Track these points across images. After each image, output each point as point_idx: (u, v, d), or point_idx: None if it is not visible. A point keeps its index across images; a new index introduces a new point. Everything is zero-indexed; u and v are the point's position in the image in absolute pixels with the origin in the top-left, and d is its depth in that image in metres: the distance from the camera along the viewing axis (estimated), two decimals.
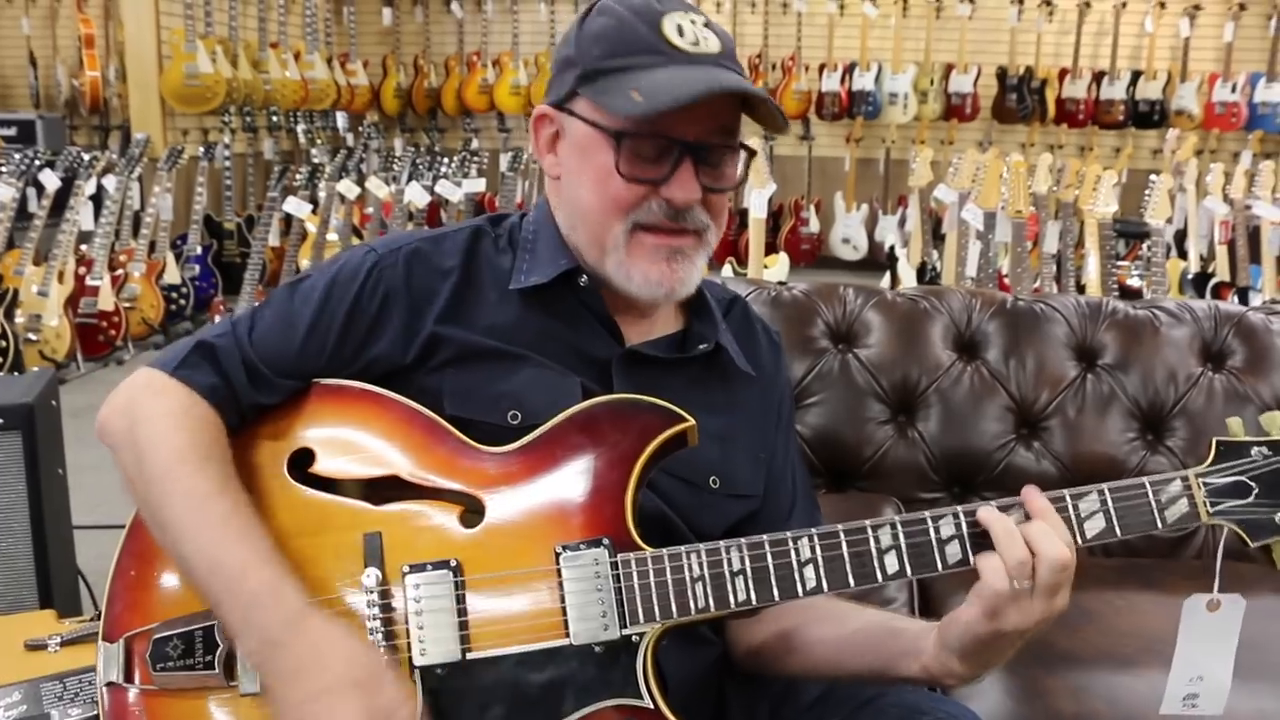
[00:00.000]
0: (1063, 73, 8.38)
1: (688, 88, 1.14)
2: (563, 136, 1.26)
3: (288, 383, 1.22)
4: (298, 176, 5.96)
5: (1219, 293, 5.51)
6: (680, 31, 1.19)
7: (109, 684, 1.15)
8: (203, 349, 1.21)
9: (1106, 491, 1.10)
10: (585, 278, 1.26)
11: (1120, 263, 5.08)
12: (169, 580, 1.17)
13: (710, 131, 1.20)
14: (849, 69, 8.56)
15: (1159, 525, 1.10)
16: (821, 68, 8.62)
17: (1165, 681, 1.58)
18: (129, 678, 1.14)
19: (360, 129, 8.68)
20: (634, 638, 1.09)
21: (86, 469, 2.43)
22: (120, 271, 5.84)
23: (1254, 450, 1.10)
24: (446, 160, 6.00)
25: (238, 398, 1.20)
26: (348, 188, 5.67)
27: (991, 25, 8.43)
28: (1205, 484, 1.10)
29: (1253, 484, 1.09)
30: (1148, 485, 1.10)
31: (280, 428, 1.22)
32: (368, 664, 1.06)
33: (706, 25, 1.22)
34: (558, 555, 1.11)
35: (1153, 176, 4.62)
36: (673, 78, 1.16)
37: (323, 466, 1.18)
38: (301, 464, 1.19)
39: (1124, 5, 8.17)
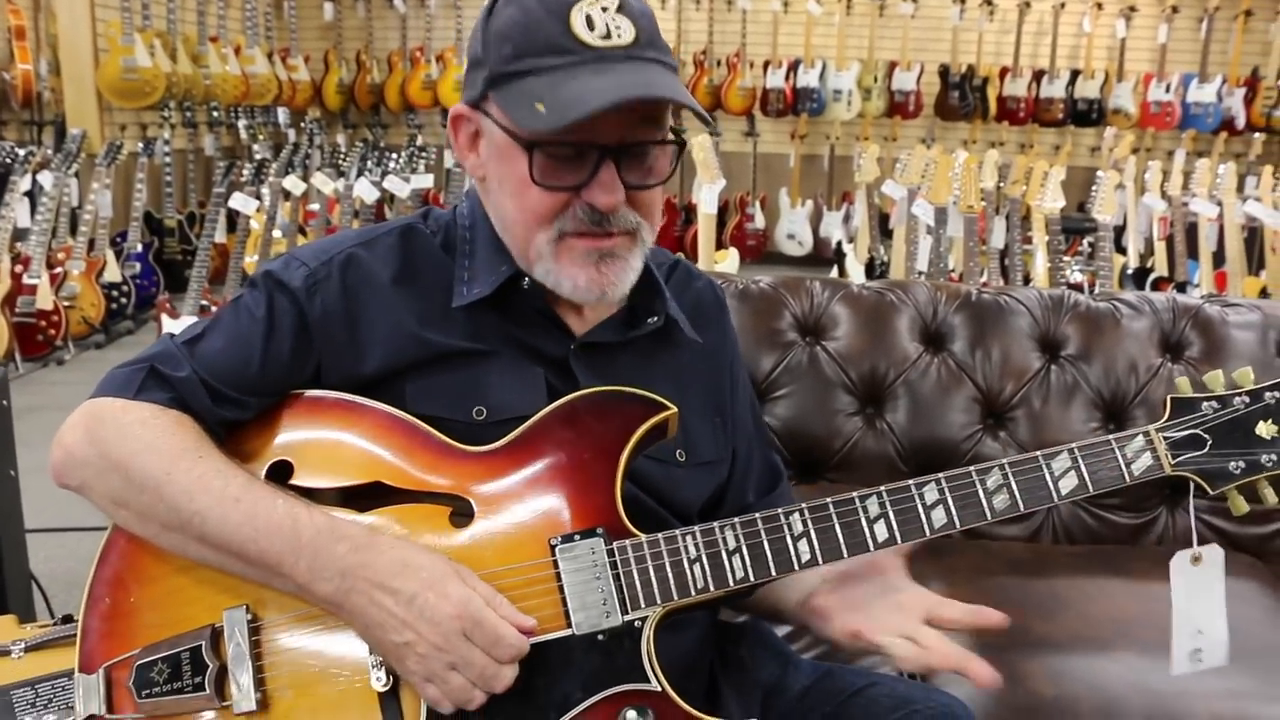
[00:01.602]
0: (1003, 71, 8.52)
1: (591, 100, 1.08)
2: (482, 136, 1.22)
3: (254, 400, 1.19)
4: (244, 172, 5.85)
5: (1158, 287, 5.63)
6: (590, 24, 1.12)
7: (89, 718, 1.11)
8: (157, 375, 1.17)
9: (1076, 450, 1.16)
10: (527, 280, 1.24)
11: (1062, 258, 5.17)
12: (146, 606, 1.14)
13: (631, 129, 1.14)
14: (793, 66, 8.62)
15: (1127, 479, 1.16)
16: (766, 64, 8.67)
17: (1139, 663, 1.63)
18: (111, 708, 1.11)
19: (302, 125, 8.56)
20: (636, 623, 1.10)
21: (30, 472, 2.37)
22: (59, 270, 5.70)
23: (1204, 405, 1.17)
24: (395, 156, 5.93)
25: (202, 416, 1.17)
26: (293, 184, 5.58)
27: (934, 24, 8.54)
28: (1165, 438, 1.16)
29: (1206, 436, 1.16)
30: (1113, 442, 1.16)
31: (255, 442, 1.19)
32: (449, 562, 1.08)
33: (620, 9, 1.13)
34: (553, 548, 1.11)
35: (1099, 173, 4.72)
36: (579, 87, 1.09)
37: (302, 478, 1.16)
38: (280, 477, 1.17)
39: (1063, 6, 8.33)
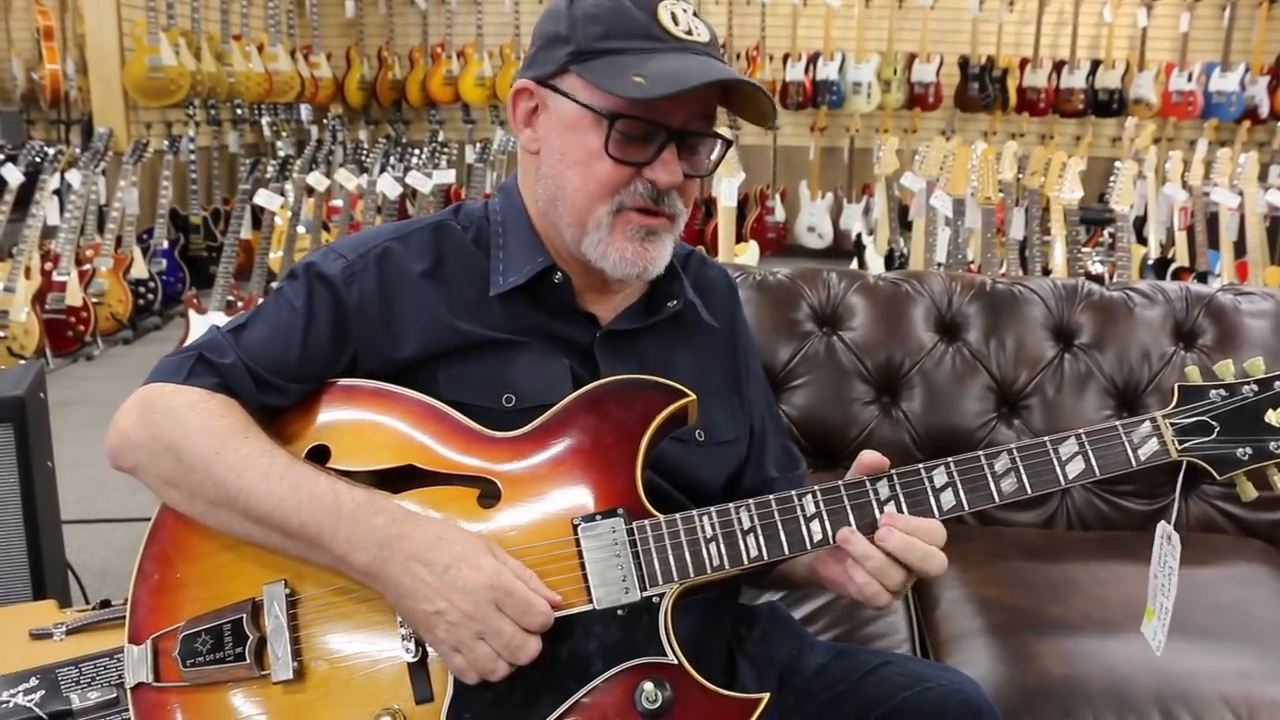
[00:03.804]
0: (1024, 62, 8.49)
1: (691, 76, 1.17)
2: (543, 112, 1.27)
3: (294, 386, 1.25)
4: (268, 169, 5.93)
5: (1179, 277, 5.62)
6: (675, 19, 1.22)
7: (138, 685, 1.17)
8: (205, 362, 1.23)
9: (1083, 436, 1.18)
10: (558, 275, 1.29)
11: (1082, 249, 5.17)
12: (191, 581, 1.20)
13: (694, 118, 1.23)
14: (813, 59, 8.62)
15: (1134, 464, 1.18)
16: (786, 57, 8.68)
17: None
18: (158, 677, 1.17)
19: (325, 121, 8.63)
20: (655, 599, 1.14)
21: (61, 466, 2.43)
22: (87, 267, 5.79)
23: (1212, 393, 1.19)
24: (417, 152, 5.99)
25: (246, 402, 1.23)
26: (317, 180, 5.65)
27: (953, 15, 8.52)
28: (1172, 424, 1.18)
29: (1214, 423, 1.18)
30: (1120, 428, 1.18)
31: (294, 427, 1.25)
32: (483, 539, 1.13)
33: (695, 15, 1.24)
34: (576, 528, 1.16)
35: (1117, 163, 4.72)
36: (674, 65, 1.18)
37: (338, 461, 1.21)
38: (318, 461, 1.22)
39: None
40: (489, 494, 1.19)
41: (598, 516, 1.16)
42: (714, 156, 1.28)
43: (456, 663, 1.10)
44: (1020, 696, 1.58)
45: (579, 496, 1.18)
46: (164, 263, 6.49)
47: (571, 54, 1.22)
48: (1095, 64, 8.40)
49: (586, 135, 1.22)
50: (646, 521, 1.17)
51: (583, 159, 1.23)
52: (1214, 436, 1.17)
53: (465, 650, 1.09)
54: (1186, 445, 1.17)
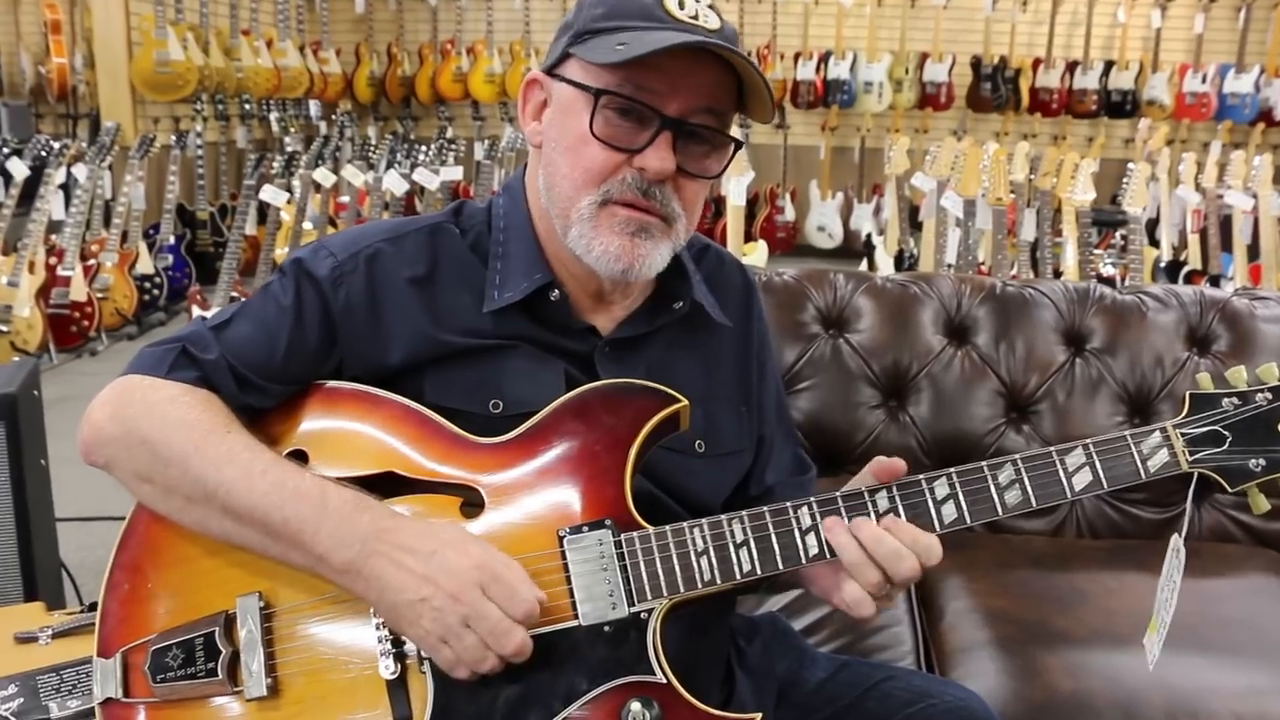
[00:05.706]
0: (1036, 62, 8.44)
1: (670, 40, 1.11)
2: (549, 104, 1.23)
3: (277, 387, 1.21)
4: (275, 165, 5.90)
5: (1191, 280, 5.57)
6: (681, 4, 1.16)
7: (106, 700, 1.13)
8: (187, 356, 1.19)
9: (1090, 446, 1.14)
10: (555, 292, 1.24)
11: (1094, 251, 5.12)
12: (163, 592, 1.16)
13: (694, 110, 1.16)
14: (824, 58, 8.58)
15: (1142, 475, 1.14)
16: (797, 56, 8.64)
17: (1161, 658, 1.60)
18: (128, 692, 1.12)
19: (333, 117, 8.61)
20: (643, 615, 1.10)
21: (62, 462, 2.40)
22: (92, 261, 5.77)
23: (1225, 401, 1.14)
24: (424, 148, 5.96)
25: (226, 400, 1.18)
26: (323, 176, 5.62)
27: (966, 14, 8.47)
28: (1182, 434, 1.14)
29: (1226, 433, 1.13)
30: (1129, 438, 1.14)
31: (272, 432, 1.20)
32: (470, 532, 1.10)
33: (710, 7, 1.19)
34: (561, 539, 1.11)
35: (1130, 165, 4.67)
36: (662, 35, 1.13)
37: (317, 467, 1.17)
38: None
39: None
40: (472, 503, 1.14)
41: (584, 528, 1.12)
42: (722, 159, 1.20)
43: (444, 656, 1.05)
44: (1027, 712, 1.54)
45: (565, 506, 1.14)
46: (170, 258, 6.47)
47: (572, 37, 1.19)
48: (1109, 65, 8.34)
49: (579, 117, 1.17)
50: (635, 534, 1.12)
51: (572, 144, 1.18)
52: (1226, 447, 1.13)
53: (452, 640, 1.04)
54: (1198, 456, 1.13)
